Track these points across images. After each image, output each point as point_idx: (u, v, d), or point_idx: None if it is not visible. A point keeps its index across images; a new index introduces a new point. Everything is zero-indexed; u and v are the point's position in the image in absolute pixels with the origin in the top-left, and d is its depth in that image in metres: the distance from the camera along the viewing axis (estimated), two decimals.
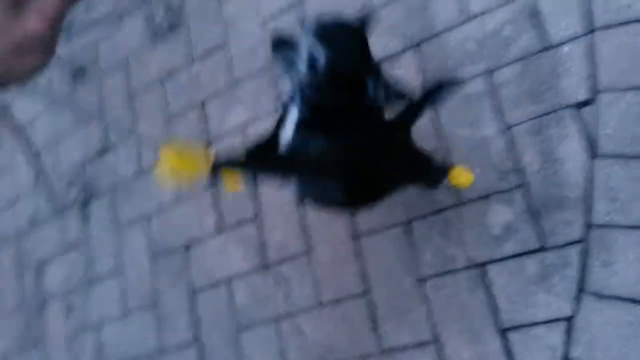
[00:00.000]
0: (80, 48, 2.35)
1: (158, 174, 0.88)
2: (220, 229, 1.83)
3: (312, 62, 0.88)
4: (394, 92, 0.98)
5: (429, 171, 1.36)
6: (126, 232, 2.05)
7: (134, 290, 1.97)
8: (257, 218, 1.76)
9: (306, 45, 0.90)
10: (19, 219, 2.38)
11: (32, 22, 0.43)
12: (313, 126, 1.02)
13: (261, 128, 1.78)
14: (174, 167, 0.86)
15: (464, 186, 1.39)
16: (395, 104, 1.00)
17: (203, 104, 1.97)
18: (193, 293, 1.84)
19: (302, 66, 0.90)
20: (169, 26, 2.06)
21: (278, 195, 1.73)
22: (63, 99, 2.33)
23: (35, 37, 0.43)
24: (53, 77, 2.42)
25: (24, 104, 2.43)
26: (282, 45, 0.95)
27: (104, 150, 2.17)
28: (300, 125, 1.01)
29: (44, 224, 2.27)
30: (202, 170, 0.90)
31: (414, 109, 1.19)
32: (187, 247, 1.89)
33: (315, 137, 1.03)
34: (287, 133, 1.03)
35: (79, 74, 2.31)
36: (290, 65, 0.94)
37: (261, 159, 1.09)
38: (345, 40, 0.94)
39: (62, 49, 2.35)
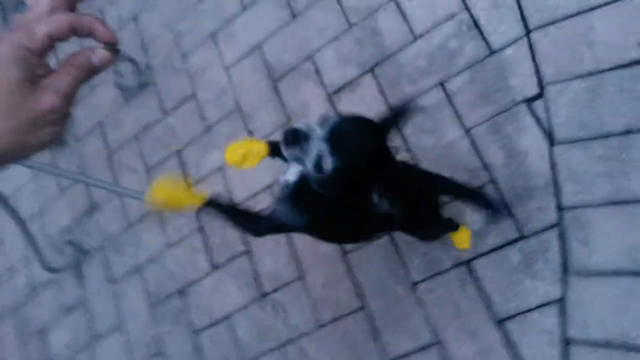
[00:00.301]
0: None
1: (148, 199, 0.85)
2: (213, 267, 1.71)
3: (318, 164, 0.78)
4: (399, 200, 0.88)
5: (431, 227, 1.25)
6: (122, 286, 1.90)
7: (138, 341, 1.81)
8: (247, 251, 1.65)
9: (316, 145, 0.78)
10: (16, 289, 2.19)
11: (48, 98, 0.41)
12: (304, 201, 0.91)
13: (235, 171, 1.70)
14: (165, 197, 0.85)
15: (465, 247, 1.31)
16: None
17: (179, 153, 1.87)
18: (195, 334, 1.70)
19: (310, 163, 0.79)
20: (138, 85, 1.96)
21: None
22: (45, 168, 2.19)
23: (50, 112, 0.41)
24: None
25: (7, 176, 2.27)
26: (295, 138, 0.80)
27: (90, 211, 2.03)
28: (291, 196, 0.90)
29: (41, 290, 2.10)
30: (191, 204, 0.86)
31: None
32: (183, 291, 1.76)
33: (302, 212, 0.92)
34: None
35: (56, 143, 2.17)
36: (299, 153, 0.81)
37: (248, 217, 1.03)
38: (355, 146, 0.81)
39: None
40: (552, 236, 1.23)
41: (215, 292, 1.69)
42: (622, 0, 1.21)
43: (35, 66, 0.41)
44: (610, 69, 1.21)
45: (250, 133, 1.72)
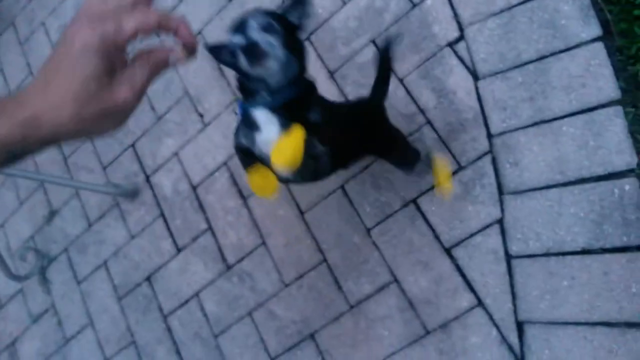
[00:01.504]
0: None
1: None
2: (178, 250, 1.77)
3: (245, 54, 0.80)
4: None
5: (405, 150, 1.31)
6: (89, 284, 1.93)
7: (110, 336, 1.85)
8: (209, 228, 1.72)
9: (236, 45, 0.81)
10: None
11: (123, 93, 0.42)
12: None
13: (192, 151, 1.78)
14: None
15: (447, 189, 1.38)
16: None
17: (134, 146, 1.94)
18: (165, 319, 1.75)
19: (243, 63, 0.81)
20: None
21: (222, 201, 1.71)
22: (2, 182, 2.22)
23: (122, 106, 0.42)
24: None
25: None
26: (218, 50, 0.82)
27: (50, 217, 2.06)
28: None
29: (8, 302, 2.11)
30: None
31: (380, 81, 1.24)
32: (150, 278, 1.81)
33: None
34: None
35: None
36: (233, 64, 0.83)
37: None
38: (259, 16, 0.83)
39: None
40: (485, 162, 1.34)
41: (182, 273, 1.75)
42: None
43: (115, 58, 0.42)
44: (520, 3, 1.35)
45: (201, 116, 1.81)
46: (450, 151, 1.39)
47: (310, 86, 0.97)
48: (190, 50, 0.45)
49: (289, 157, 0.83)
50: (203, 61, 1.83)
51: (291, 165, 0.83)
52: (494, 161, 1.34)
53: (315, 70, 1.61)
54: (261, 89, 0.87)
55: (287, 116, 0.87)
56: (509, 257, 1.29)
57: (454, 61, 1.42)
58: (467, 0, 1.42)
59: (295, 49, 0.86)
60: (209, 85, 1.82)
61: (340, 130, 1.06)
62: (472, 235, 1.34)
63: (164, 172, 1.87)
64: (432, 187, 1.40)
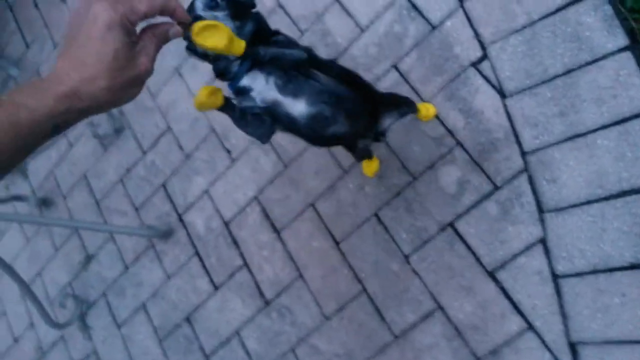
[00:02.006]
0: (38, 181, 2.34)
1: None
2: (215, 288, 1.79)
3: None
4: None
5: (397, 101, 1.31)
6: (129, 328, 1.97)
7: None
8: (245, 264, 1.74)
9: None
10: (25, 357, 2.24)
11: (144, 62, 0.51)
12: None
13: (222, 187, 1.81)
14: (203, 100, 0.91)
15: (430, 117, 1.43)
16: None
17: (165, 186, 1.98)
18: (208, 359, 1.76)
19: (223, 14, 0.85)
20: (115, 132, 2.09)
21: (256, 236, 1.73)
22: (37, 230, 2.29)
23: (144, 73, 0.52)
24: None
25: (1, 247, 2.37)
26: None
27: (86, 262, 2.12)
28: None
29: (50, 351, 2.15)
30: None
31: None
32: (190, 318, 1.83)
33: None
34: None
35: (44, 204, 2.28)
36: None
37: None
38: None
39: (22, 187, 2.34)
40: (521, 181, 1.33)
41: (220, 311, 1.76)
42: None
43: (132, 35, 0.51)
44: (541, 19, 1.35)
45: (228, 152, 1.84)
46: (484, 171, 1.39)
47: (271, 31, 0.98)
48: (184, 27, 0.58)
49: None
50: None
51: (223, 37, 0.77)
52: (531, 179, 1.33)
53: None
54: (230, 62, 0.89)
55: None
56: (555, 277, 1.28)
57: (479, 81, 1.42)
58: (487, 19, 1.42)
59: (247, 18, 0.90)
60: None
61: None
62: (515, 256, 1.32)
63: (195, 210, 1.90)
64: (469, 209, 1.39)
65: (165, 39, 0.56)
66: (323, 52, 1.68)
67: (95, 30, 0.47)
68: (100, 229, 1.88)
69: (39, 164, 2.33)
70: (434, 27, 1.50)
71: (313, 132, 1.01)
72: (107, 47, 0.48)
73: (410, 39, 1.54)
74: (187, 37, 0.71)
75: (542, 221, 1.31)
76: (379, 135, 1.24)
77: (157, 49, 0.55)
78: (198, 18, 0.81)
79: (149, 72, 0.53)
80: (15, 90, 0.46)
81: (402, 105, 1.29)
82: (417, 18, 1.53)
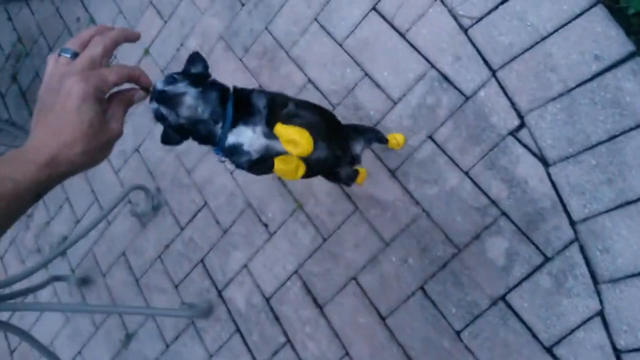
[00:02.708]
0: (77, 261, 2.38)
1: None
2: None
3: (158, 113, 0.90)
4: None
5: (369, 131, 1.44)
6: None
7: None
8: (287, 341, 1.71)
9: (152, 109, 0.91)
10: None
11: (115, 126, 0.57)
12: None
13: (260, 261, 1.81)
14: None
15: (400, 146, 1.56)
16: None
17: (203, 262, 1.99)
18: None
19: (168, 118, 0.91)
20: (152, 209, 2.13)
21: (298, 312, 1.71)
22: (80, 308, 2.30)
23: (116, 136, 0.57)
24: (61, 294, 2.41)
25: (42, 325, 2.39)
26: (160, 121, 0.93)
27: (127, 341, 2.11)
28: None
29: None
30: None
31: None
32: None
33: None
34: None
35: (83, 284, 2.31)
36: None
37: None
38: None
39: (61, 267, 2.38)
40: (573, 252, 1.30)
41: None
42: (566, 25, 1.38)
43: (103, 103, 0.56)
44: (578, 86, 1.36)
45: (265, 226, 1.85)
46: (532, 242, 1.36)
47: (240, 91, 1.03)
48: (146, 92, 0.64)
49: (298, 138, 0.93)
50: None
51: (305, 145, 0.93)
52: (582, 249, 1.30)
53: (375, 170, 1.64)
54: (210, 126, 0.95)
55: (249, 117, 0.98)
56: (617, 352, 1.22)
57: (520, 149, 1.42)
58: (522, 88, 1.43)
59: (205, 84, 0.95)
60: (269, 194, 1.87)
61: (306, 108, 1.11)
62: (572, 331, 1.28)
63: (235, 285, 1.90)
64: (520, 282, 1.36)
65: (131, 103, 0.62)
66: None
67: (70, 103, 0.52)
68: (143, 312, 1.89)
69: (78, 243, 2.37)
70: (467, 98, 1.51)
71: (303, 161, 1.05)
72: (82, 117, 0.52)
73: (444, 109, 1.55)
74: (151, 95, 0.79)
75: (598, 293, 1.26)
76: (354, 160, 1.33)
77: (125, 112, 0.60)
78: (162, 92, 0.87)
79: (119, 134, 0.57)
80: None
81: (367, 133, 1.41)
82: (449, 89, 1.55)
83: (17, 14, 3.04)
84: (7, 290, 1.75)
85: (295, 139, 0.94)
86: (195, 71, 1.02)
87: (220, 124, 0.96)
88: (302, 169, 1.03)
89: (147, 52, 2.30)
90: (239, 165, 1.03)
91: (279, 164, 1.00)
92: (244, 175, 1.94)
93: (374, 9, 1.72)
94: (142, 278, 2.15)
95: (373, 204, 1.64)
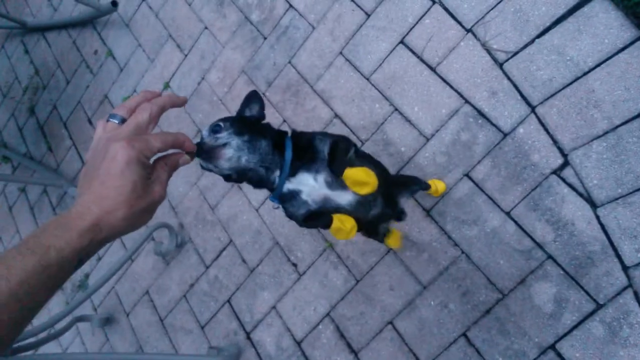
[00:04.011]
0: (100, 300, 2.34)
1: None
2: None
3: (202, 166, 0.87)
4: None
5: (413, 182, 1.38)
6: None
7: None
8: None
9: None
10: None
11: (158, 191, 0.56)
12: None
13: (290, 303, 1.76)
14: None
15: (440, 193, 1.50)
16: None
17: (230, 302, 1.94)
18: None
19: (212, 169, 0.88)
20: (176, 246, 2.09)
21: (332, 357, 1.65)
22: (99, 349, 2.26)
23: (159, 200, 0.56)
24: (83, 334, 2.37)
25: None
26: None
27: None
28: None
29: None
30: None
31: None
32: None
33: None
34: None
35: (107, 323, 2.27)
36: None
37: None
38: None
39: (84, 307, 2.34)
40: (627, 299, 1.24)
41: None
42: (609, 60, 1.33)
43: (148, 167, 0.55)
44: (624, 123, 1.30)
45: (294, 265, 1.80)
46: (582, 288, 1.30)
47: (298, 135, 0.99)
48: (191, 155, 0.65)
49: (366, 178, 0.89)
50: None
51: (373, 183, 0.89)
52: (637, 296, 1.23)
53: (409, 209, 1.59)
54: (263, 173, 0.91)
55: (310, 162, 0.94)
56: None
57: (564, 189, 1.36)
58: (564, 125, 1.38)
59: (254, 131, 0.91)
60: (297, 233, 1.82)
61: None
62: None
63: (263, 327, 1.84)
64: (571, 330, 1.30)
65: (175, 167, 0.62)
66: (387, 162, 1.65)
67: (114, 167, 0.52)
68: None
69: (99, 280, 2.34)
70: (505, 134, 1.46)
71: (356, 217, 0.99)
72: (126, 181, 0.52)
73: (480, 146, 1.50)
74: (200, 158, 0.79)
75: None
76: (401, 214, 1.26)
77: (169, 176, 0.60)
78: (200, 145, 0.84)
79: (162, 198, 0.57)
80: (40, 231, 0.48)
81: (411, 185, 1.36)
82: (485, 125, 1.50)
83: (34, 46, 3.04)
84: (31, 339, 1.71)
85: (363, 180, 0.90)
86: (250, 113, 0.98)
87: (277, 171, 0.92)
88: (355, 230, 0.97)
89: (167, 85, 2.28)
90: (292, 216, 0.98)
91: (337, 222, 0.95)
92: (269, 213, 1.90)
93: (401, 42, 1.68)
94: (167, 318, 2.11)
95: (408, 244, 1.58)
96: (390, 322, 1.58)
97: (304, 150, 0.95)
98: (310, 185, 0.93)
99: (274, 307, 1.83)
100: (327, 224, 0.96)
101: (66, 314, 1.70)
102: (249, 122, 0.94)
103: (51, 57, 2.91)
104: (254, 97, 0.99)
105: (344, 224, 0.95)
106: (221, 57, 2.13)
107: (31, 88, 2.99)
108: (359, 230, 1.09)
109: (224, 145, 0.86)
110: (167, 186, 0.59)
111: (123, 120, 0.59)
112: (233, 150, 0.86)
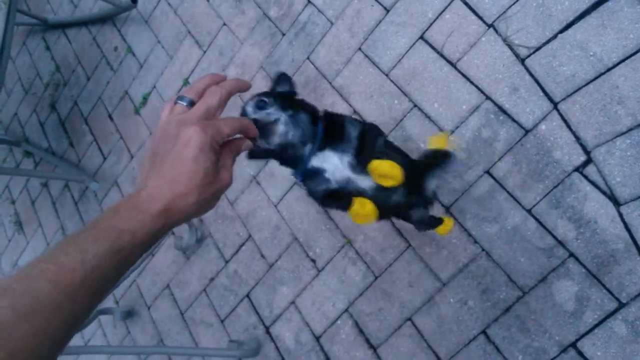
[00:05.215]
0: (121, 293, 2.40)
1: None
2: None
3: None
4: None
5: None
6: None
7: None
8: None
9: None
10: None
11: (226, 176, 0.57)
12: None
13: (309, 298, 1.78)
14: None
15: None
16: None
17: (249, 297, 1.97)
18: None
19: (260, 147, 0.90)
20: (196, 241, 2.13)
21: (351, 352, 1.67)
22: (121, 344, 2.31)
23: (227, 186, 0.57)
24: (105, 326, 2.43)
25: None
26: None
27: None
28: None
29: None
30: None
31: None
32: None
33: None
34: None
35: (128, 316, 2.32)
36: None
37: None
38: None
39: (106, 301, 2.39)
40: None
41: None
42: (633, 55, 1.32)
43: (217, 153, 0.56)
44: None
45: (313, 261, 1.82)
46: (604, 286, 1.30)
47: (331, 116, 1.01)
48: (254, 141, 0.65)
49: (392, 172, 0.91)
50: (307, 205, 1.88)
51: (398, 177, 0.91)
52: None
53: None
54: (298, 149, 0.92)
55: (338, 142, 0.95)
56: None
57: (587, 187, 1.35)
58: (587, 122, 1.37)
59: (295, 105, 0.92)
60: (316, 228, 1.84)
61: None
62: None
63: (283, 322, 1.87)
64: (593, 328, 1.30)
65: (239, 152, 0.63)
66: None
67: (188, 152, 0.52)
68: (189, 353, 1.88)
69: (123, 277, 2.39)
70: (527, 131, 1.46)
71: (376, 203, 0.99)
72: (198, 167, 0.52)
73: (501, 143, 1.50)
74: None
75: None
76: (428, 200, 1.22)
77: (233, 162, 0.60)
78: (256, 122, 0.83)
79: (229, 184, 0.58)
80: (112, 213, 0.48)
81: (440, 159, 1.23)
82: (506, 122, 1.49)
83: (55, 43, 3.10)
84: None
85: (388, 174, 0.91)
86: (284, 90, 0.99)
87: (308, 146, 0.93)
88: (374, 215, 0.98)
89: (186, 82, 2.31)
90: (313, 193, 1.00)
91: (357, 205, 0.96)
92: (289, 208, 1.92)
93: (421, 37, 1.68)
94: (187, 311, 2.15)
95: (427, 241, 1.59)
96: (409, 319, 1.59)
97: (334, 130, 0.96)
98: (334, 165, 0.95)
99: (292, 302, 1.86)
100: (347, 206, 0.97)
101: None
102: (287, 97, 0.95)
103: (72, 54, 2.96)
104: (282, 77, 1.00)
105: (364, 207, 0.96)
106: (240, 53, 2.15)
107: (52, 84, 3.05)
108: (383, 217, 1.09)
109: (276, 121, 0.87)
110: (232, 172, 0.60)
111: (191, 103, 0.59)
112: (284, 126, 0.88)
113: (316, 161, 0.94)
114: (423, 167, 1.23)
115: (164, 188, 0.51)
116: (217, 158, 0.56)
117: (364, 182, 0.97)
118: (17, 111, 3.24)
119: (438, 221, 1.30)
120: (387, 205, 1.04)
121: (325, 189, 0.96)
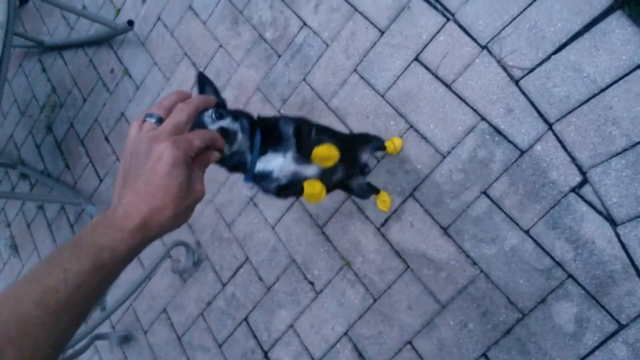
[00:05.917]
0: (117, 317, 2.39)
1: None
2: None
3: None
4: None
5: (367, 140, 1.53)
6: None
7: None
8: None
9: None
10: None
11: (199, 190, 0.58)
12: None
13: (307, 322, 1.78)
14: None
15: (399, 149, 1.65)
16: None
17: (247, 320, 1.97)
18: None
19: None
20: (193, 264, 2.13)
21: None
22: None
23: (200, 197, 0.58)
24: (102, 351, 2.41)
25: None
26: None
27: None
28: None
29: None
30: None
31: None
32: None
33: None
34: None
35: (125, 341, 2.31)
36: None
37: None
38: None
39: (103, 326, 2.38)
40: None
41: None
42: (626, 76, 1.34)
43: (190, 166, 0.56)
44: None
45: (311, 284, 1.83)
46: (604, 308, 1.30)
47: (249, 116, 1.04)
48: (221, 152, 0.67)
49: (330, 153, 1.04)
50: (305, 226, 1.89)
51: (335, 156, 1.05)
52: None
53: (426, 226, 1.61)
54: (245, 155, 0.96)
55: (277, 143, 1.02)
56: None
57: (584, 207, 1.37)
58: (582, 142, 1.39)
59: (237, 113, 0.96)
60: (314, 250, 1.85)
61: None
62: None
63: (281, 346, 1.87)
64: (593, 350, 1.30)
65: (207, 165, 0.63)
66: (403, 179, 1.68)
67: (161, 167, 0.53)
68: None
69: (118, 299, 2.38)
70: (522, 152, 1.48)
71: (323, 182, 1.09)
72: (173, 181, 0.53)
73: (497, 164, 1.52)
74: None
75: None
76: (363, 169, 1.43)
77: (203, 173, 0.61)
78: (223, 130, 0.87)
79: (203, 195, 0.58)
80: (90, 230, 0.49)
81: (369, 141, 1.52)
82: (502, 142, 1.51)
83: (52, 65, 3.13)
84: None
85: (328, 155, 1.03)
86: (220, 100, 1.02)
87: (250, 153, 0.98)
88: (324, 191, 1.08)
89: None
90: (267, 191, 1.06)
91: (308, 187, 1.05)
92: (286, 230, 1.93)
93: (416, 59, 1.70)
94: (185, 336, 2.14)
95: (425, 262, 1.60)
96: (409, 342, 1.59)
97: (271, 133, 1.02)
98: (279, 164, 1.01)
99: (291, 326, 1.86)
100: (300, 192, 1.06)
101: (87, 334, 1.74)
102: (224, 105, 0.98)
103: (68, 76, 2.99)
104: (205, 79, 1.01)
105: (313, 187, 1.05)
106: (236, 74, 2.17)
107: (48, 106, 3.07)
108: (328, 191, 1.18)
109: (236, 130, 0.91)
110: (204, 183, 0.61)
111: (160, 120, 0.60)
112: (241, 134, 0.92)
113: (261, 165, 1.00)
114: (354, 143, 1.44)
115: (140, 203, 0.52)
116: (190, 172, 0.57)
117: (308, 170, 1.05)
118: (13, 133, 3.26)
119: (374, 189, 1.56)
120: (332, 182, 1.17)
121: (277, 186, 1.03)
